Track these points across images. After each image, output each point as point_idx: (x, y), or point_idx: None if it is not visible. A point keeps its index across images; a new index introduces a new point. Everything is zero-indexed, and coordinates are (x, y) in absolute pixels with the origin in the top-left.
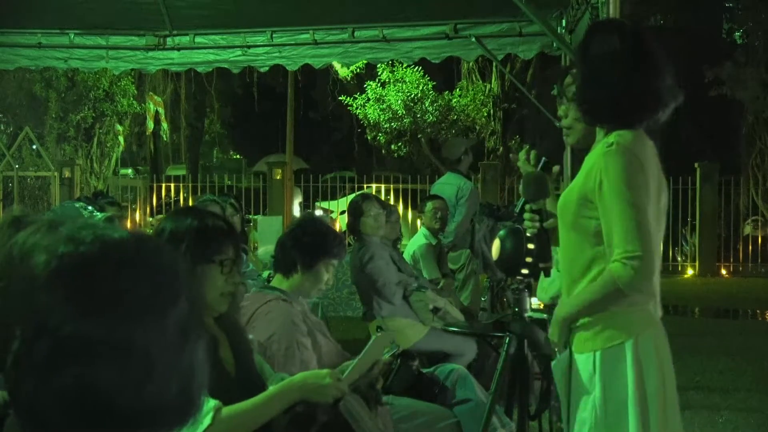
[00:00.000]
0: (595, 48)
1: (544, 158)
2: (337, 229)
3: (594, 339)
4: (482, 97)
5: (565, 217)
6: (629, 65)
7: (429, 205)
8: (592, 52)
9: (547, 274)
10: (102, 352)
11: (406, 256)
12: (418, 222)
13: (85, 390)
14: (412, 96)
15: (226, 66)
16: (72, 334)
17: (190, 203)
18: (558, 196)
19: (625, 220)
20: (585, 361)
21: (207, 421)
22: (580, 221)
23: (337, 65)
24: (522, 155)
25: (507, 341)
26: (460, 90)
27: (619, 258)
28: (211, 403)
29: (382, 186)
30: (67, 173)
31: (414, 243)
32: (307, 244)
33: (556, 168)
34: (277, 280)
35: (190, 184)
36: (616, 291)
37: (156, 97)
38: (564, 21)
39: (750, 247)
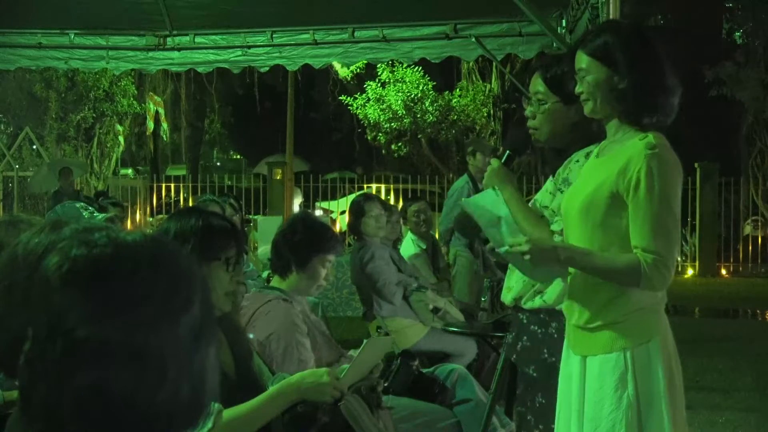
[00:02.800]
0: (636, 51)
1: (507, 151)
2: (337, 229)
3: (623, 338)
4: (482, 97)
5: (592, 216)
6: (664, 68)
7: (410, 210)
8: (633, 55)
9: None
10: (117, 354)
11: None
12: (405, 228)
13: (99, 392)
14: (412, 96)
15: (226, 66)
16: (86, 336)
17: (190, 203)
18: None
19: (665, 225)
20: (615, 360)
21: (209, 424)
22: (610, 220)
23: (337, 65)
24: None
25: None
26: (460, 90)
27: (652, 258)
28: (213, 406)
29: (383, 186)
30: None
31: (403, 252)
32: (299, 243)
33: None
34: (276, 281)
35: (190, 184)
36: (634, 279)
37: (156, 97)
38: (564, 21)
39: (750, 247)
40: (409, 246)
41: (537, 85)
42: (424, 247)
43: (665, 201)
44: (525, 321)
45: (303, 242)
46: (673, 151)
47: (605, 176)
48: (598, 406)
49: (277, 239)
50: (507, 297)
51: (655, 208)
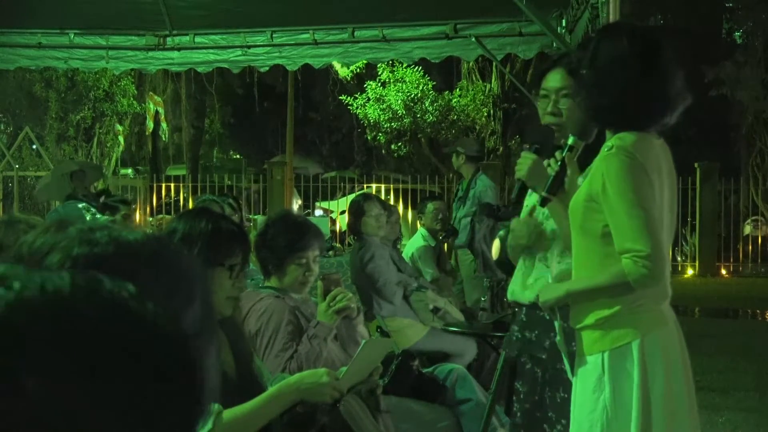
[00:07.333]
0: (603, 52)
1: (535, 145)
2: (338, 229)
3: (602, 340)
4: (482, 97)
5: (574, 220)
6: (636, 69)
7: (430, 206)
8: (599, 56)
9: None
10: None
11: (405, 257)
12: (418, 223)
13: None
14: (412, 96)
15: (226, 66)
16: None
17: (190, 203)
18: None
19: (632, 221)
20: (594, 362)
21: (208, 425)
22: (587, 224)
23: (337, 65)
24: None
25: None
26: (460, 90)
27: (630, 257)
28: (213, 407)
29: (382, 186)
30: None
31: (412, 245)
32: (271, 247)
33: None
34: (268, 280)
35: (190, 184)
36: (625, 285)
37: (156, 97)
38: (564, 21)
39: (750, 247)
40: (418, 239)
41: (560, 80)
42: (434, 244)
43: (626, 197)
44: (547, 317)
45: (275, 246)
46: (646, 146)
47: (585, 181)
48: (580, 408)
49: (254, 244)
50: (525, 295)
51: (619, 208)
